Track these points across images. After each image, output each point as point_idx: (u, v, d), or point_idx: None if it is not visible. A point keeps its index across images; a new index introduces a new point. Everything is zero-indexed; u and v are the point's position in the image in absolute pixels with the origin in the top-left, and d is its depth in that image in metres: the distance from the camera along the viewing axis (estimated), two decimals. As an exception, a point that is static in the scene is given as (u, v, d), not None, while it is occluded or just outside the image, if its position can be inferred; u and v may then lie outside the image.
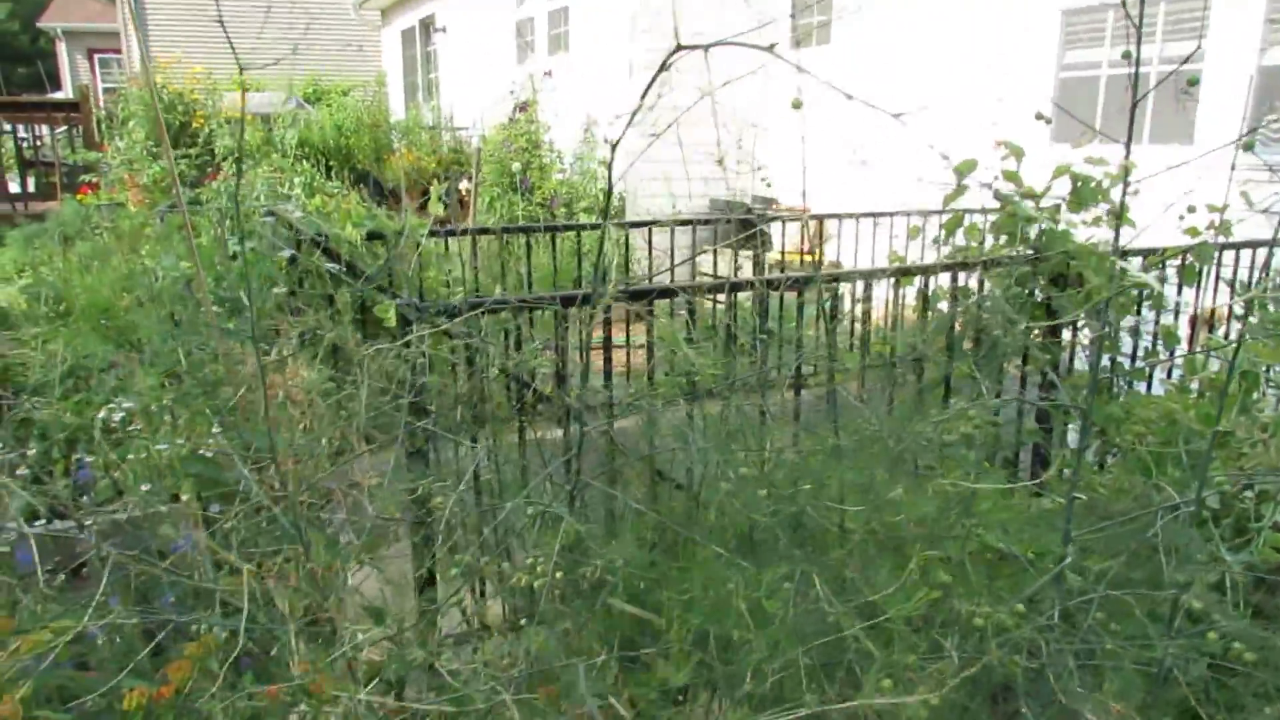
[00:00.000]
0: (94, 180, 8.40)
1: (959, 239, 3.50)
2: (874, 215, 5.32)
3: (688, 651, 1.42)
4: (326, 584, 2.59)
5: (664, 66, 1.81)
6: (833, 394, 3.17)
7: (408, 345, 2.41)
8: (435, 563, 2.45)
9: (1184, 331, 4.14)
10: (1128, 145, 1.90)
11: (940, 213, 5.42)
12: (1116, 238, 2.60)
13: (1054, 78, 6.23)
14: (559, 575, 1.94)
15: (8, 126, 10.41)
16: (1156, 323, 3.85)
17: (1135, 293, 3.76)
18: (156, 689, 1.18)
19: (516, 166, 7.16)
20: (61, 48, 27.28)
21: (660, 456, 2.56)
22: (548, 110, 8.35)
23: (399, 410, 2.55)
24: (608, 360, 2.98)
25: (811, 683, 1.24)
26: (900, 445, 2.52)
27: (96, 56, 25.84)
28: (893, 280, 3.31)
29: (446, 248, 4.27)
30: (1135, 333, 3.83)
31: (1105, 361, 3.81)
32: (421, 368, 2.59)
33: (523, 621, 2.26)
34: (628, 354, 4.56)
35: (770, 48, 1.79)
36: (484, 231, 4.39)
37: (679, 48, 1.84)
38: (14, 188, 10.42)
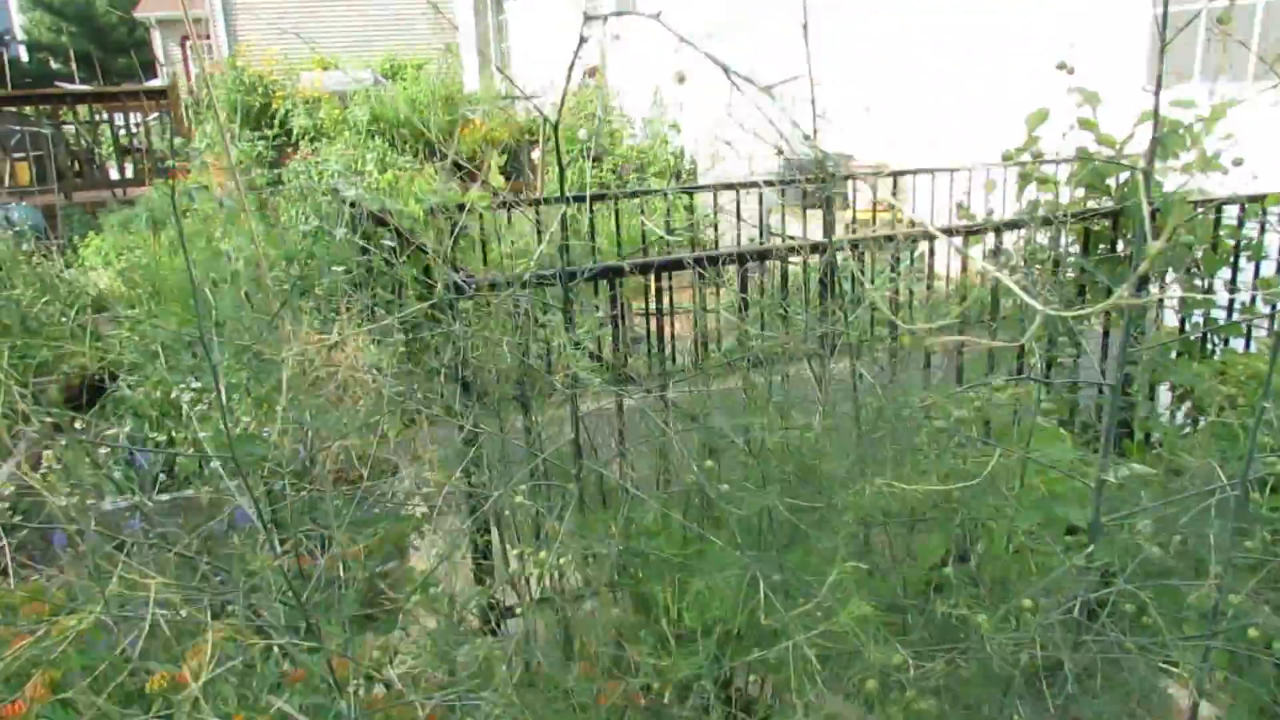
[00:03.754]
0: (183, 165, 8.68)
1: (1033, 193, 3.33)
2: (951, 170, 5.12)
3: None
4: (386, 557, 2.63)
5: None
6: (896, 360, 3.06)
7: (453, 320, 2.41)
8: (488, 539, 2.47)
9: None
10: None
11: (1029, 163, 5.18)
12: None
13: (1150, 13, 5.88)
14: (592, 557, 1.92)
15: (105, 115, 10.85)
16: (1256, 274, 3.61)
17: (1231, 243, 3.54)
18: (178, 673, 1.20)
19: (583, 134, 7.11)
20: (156, 36, 28.19)
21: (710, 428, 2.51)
22: (617, 74, 8.25)
23: (458, 385, 2.56)
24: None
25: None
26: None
27: (189, 44, 26.65)
28: (961, 239, 3.17)
29: (509, 220, 4.26)
30: (1231, 286, 3.61)
31: (1198, 318, 3.60)
32: (473, 341, 2.59)
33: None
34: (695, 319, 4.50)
35: None
36: (547, 201, 4.37)
37: None
38: (114, 174, 10.90)
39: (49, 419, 3.99)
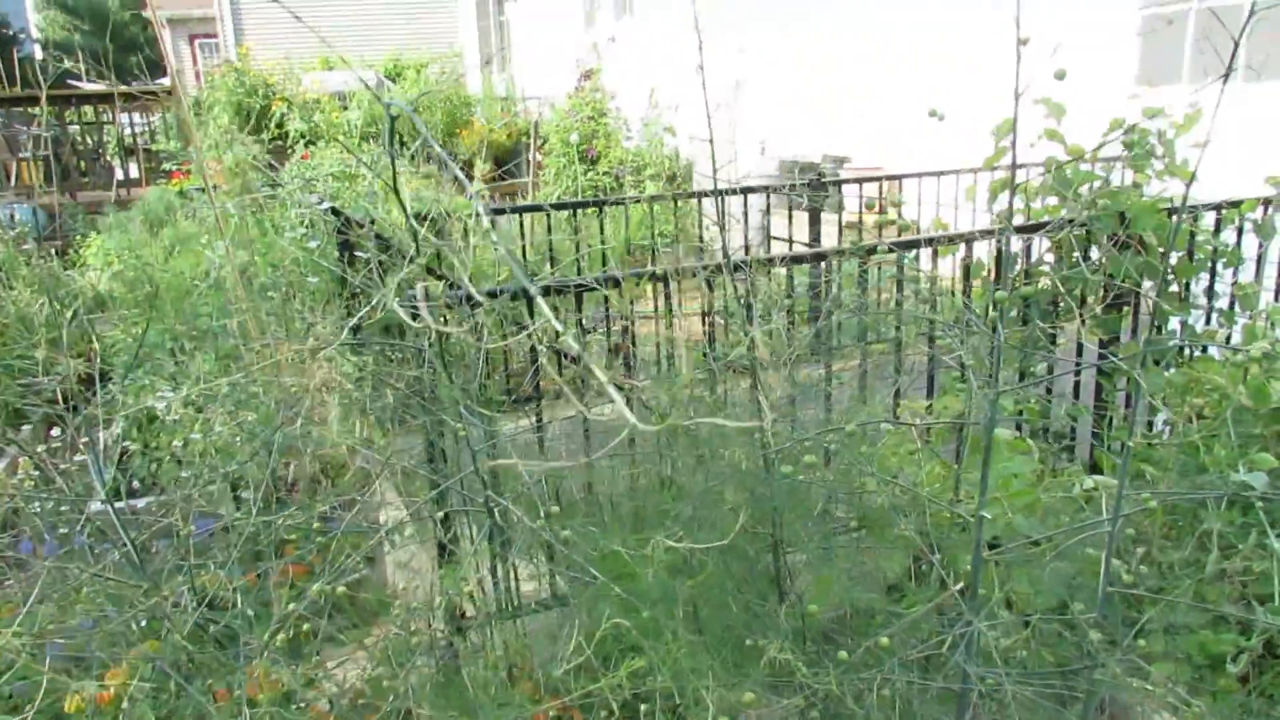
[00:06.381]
0: (185, 166, 8.73)
1: (1004, 202, 3.32)
2: (938, 174, 5.12)
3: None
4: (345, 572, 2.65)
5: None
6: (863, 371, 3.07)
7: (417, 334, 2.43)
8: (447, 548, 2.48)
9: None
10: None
11: (1021, 166, 5.18)
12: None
13: (1138, 17, 5.85)
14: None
15: (110, 116, 10.93)
16: (1234, 282, 3.60)
17: (1210, 249, 3.53)
18: (98, 692, 1.22)
19: (574, 137, 7.12)
20: (166, 35, 28.31)
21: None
22: (614, 77, 8.26)
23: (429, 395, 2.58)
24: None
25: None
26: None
27: (198, 42, 26.78)
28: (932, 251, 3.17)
29: (493, 224, 4.28)
30: (1209, 294, 3.60)
31: (1174, 326, 3.59)
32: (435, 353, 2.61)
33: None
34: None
35: None
36: (534, 209, 4.39)
37: None
38: (119, 175, 11.00)
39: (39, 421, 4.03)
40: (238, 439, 2.82)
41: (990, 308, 1.75)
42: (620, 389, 2.87)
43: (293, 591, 1.68)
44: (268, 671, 1.36)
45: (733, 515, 1.48)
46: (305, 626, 1.50)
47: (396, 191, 1.65)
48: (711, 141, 1.69)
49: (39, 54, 34.96)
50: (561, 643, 1.79)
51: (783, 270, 3.43)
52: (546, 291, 2.76)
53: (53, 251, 7.16)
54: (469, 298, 2.36)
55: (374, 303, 1.65)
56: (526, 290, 2.72)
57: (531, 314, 3.20)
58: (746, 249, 5.06)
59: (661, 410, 2.62)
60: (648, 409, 2.78)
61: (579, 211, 4.56)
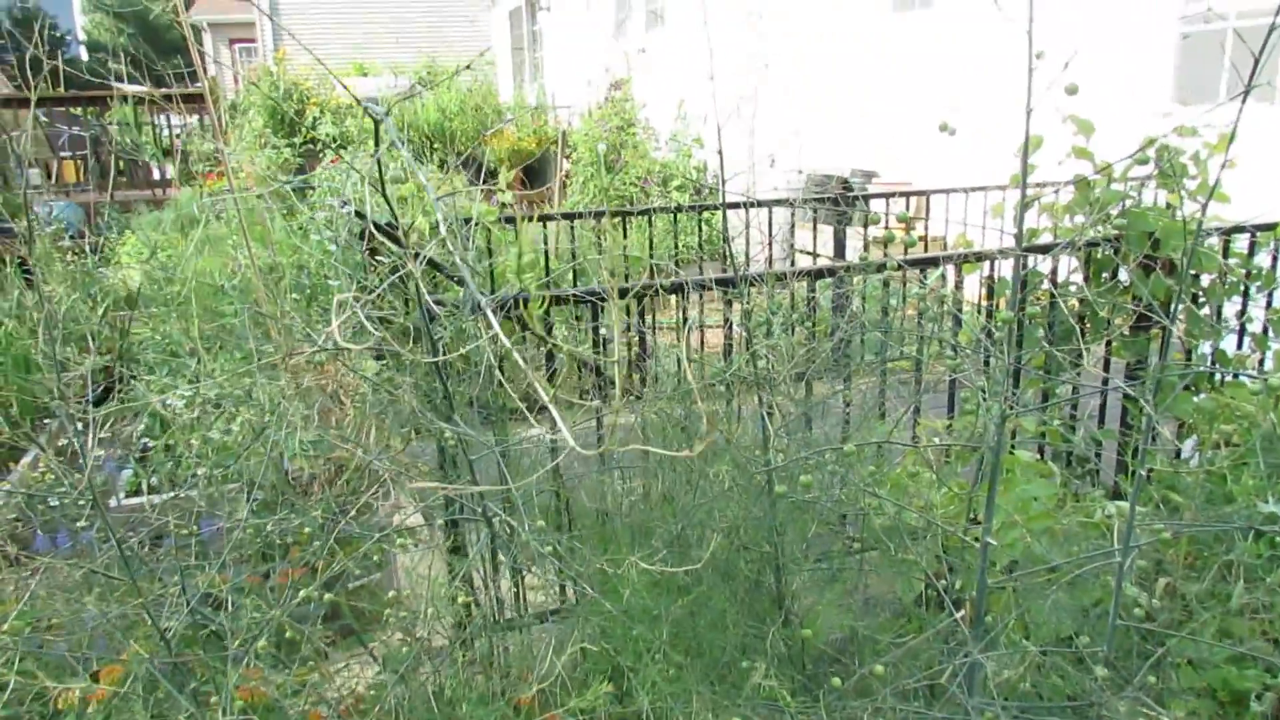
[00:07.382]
0: (219, 168, 8.83)
1: (1035, 220, 3.27)
2: (966, 190, 5.06)
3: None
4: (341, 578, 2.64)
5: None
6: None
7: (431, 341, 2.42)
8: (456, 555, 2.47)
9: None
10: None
11: (1042, 185, 5.10)
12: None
13: (1175, 33, 5.77)
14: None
15: (149, 117, 11.12)
16: (1268, 306, 3.51)
17: (1243, 272, 3.45)
18: (91, 691, 1.22)
19: (602, 147, 7.12)
20: (207, 39, 28.75)
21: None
22: (644, 87, 8.26)
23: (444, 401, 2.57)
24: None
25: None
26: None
27: (237, 46, 27.16)
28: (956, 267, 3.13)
29: (517, 235, 4.29)
30: (1242, 318, 3.51)
31: (1205, 350, 3.52)
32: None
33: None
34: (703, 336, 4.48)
35: None
36: (547, 218, 4.40)
37: None
38: (156, 175, 11.18)
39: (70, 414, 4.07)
40: (245, 439, 2.83)
41: (1001, 328, 1.71)
42: (592, 402, 2.85)
43: (286, 595, 1.67)
44: (247, 677, 1.35)
45: (725, 534, 1.45)
46: (288, 633, 1.49)
47: (385, 196, 1.64)
48: (721, 153, 1.67)
49: (85, 55, 35.65)
50: (543, 657, 1.78)
51: (797, 284, 3.41)
52: (557, 301, 2.75)
53: (87, 249, 7.27)
54: (476, 305, 2.35)
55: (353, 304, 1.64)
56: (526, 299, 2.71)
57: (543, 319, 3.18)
58: (770, 262, 5.03)
59: (678, 423, 2.60)
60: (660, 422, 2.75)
61: (596, 222, 4.55)
